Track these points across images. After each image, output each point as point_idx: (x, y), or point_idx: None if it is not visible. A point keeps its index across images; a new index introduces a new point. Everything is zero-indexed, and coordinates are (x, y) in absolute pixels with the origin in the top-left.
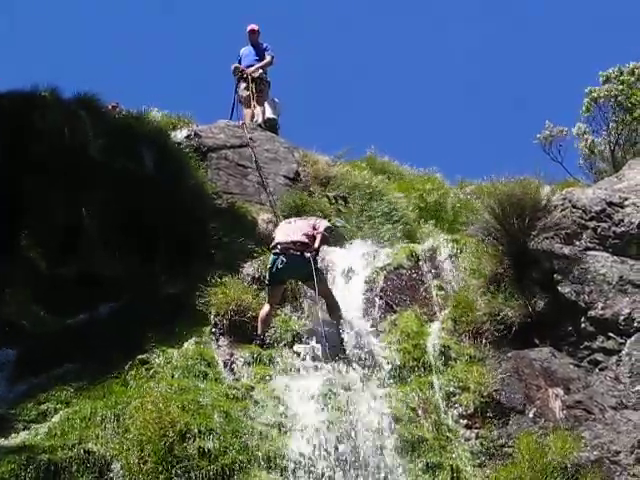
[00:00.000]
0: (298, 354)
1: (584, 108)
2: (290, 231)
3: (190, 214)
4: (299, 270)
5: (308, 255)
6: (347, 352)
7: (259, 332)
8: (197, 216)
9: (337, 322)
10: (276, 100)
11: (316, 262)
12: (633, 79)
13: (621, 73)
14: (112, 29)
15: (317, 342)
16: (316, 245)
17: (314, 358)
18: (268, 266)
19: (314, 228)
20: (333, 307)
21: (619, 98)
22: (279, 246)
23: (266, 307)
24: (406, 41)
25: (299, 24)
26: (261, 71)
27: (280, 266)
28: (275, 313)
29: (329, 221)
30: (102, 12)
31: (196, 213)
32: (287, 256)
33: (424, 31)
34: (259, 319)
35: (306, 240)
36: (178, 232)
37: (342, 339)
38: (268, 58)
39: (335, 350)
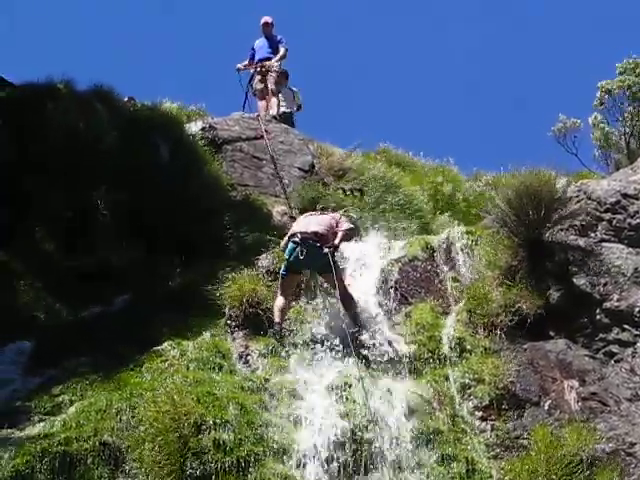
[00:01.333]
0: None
1: (597, 101)
2: (311, 223)
3: (205, 206)
4: (317, 261)
5: (326, 250)
6: (363, 345)
7: (276, 320)
8: (212, 208)
9: (352, 316)
10: (294, 89)
11: (334, 256)
12: None
13: (637, 65)
14: (113, 28)
15: (334, 337)
16: (336, 242)
17: (324, 354)
18: (285, 256)
19: (336, 224)
20: (347, 299)
21: (633, 89)
22: (299, 235)
23: (280, 299)
24: (413, 36)
25: (298, 24)
26: (277, 64)
27: (300, 256)
28: (290, 305)
29: (345, 212)
30: (105, 10)
31: (211, 205)
32: (307, 246)
33: (427, 28)
34: (275, 309)
35: (326, 233)
36: (193, 224)
37: (358, 332)
38: (282, 50)
39: (347, 343)
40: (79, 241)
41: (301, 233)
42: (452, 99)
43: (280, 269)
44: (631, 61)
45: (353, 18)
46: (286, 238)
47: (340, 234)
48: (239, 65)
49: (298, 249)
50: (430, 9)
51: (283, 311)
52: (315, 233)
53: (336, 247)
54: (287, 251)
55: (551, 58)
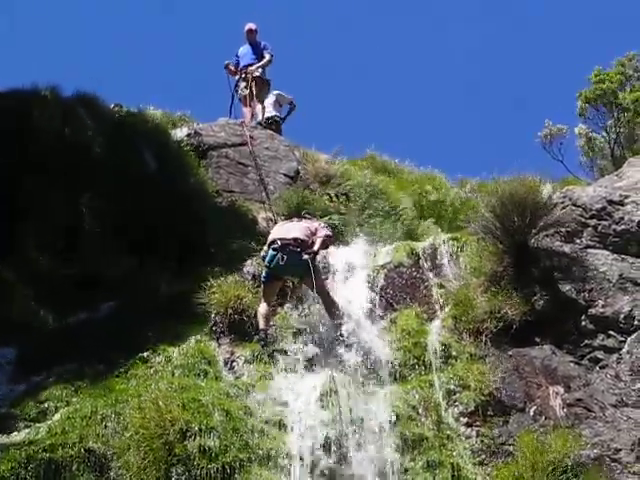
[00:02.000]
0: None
1: (578, 110)
2: (290, 229)
3: (190, 213)
4: (297, 267)
5: (306, 257)
6: (347, 351)
7: (261, 326)
8: (197, 215)
9: (335, 319)
10: (283, 95)
11: (314, 262)
12: (622, 77)
13: (607, 74)
14: (111, 28)
15: (319, 343)
16: (315, 248)
17: (308, 360)
18: (265, 263)
19: (315, 231)
20: (330, 305)
21: (610, 98)
22: (279, 242)
23: (263, 305)
24: (406, 40)
25: (299, 23)
26: (261, 70)
27: (281, 263)
28: (275, 311)
29: (329, 219)
30: (101, 11)
31: (196, 212)
32: (287, 252)
33: (424, 30)
34: (259, 315)
35: (306, 239)
36: (178, 231)
37: (342, 338)
38: (267, 57)
39: (332, 349)
40: (65, 249)
41: (280, 240)
42: (437, 105)
43: (261, 276)
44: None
45: (352, 18)
46: (266, 246)
47: (319, 240)
48: (227, 62)
49: (278, 255)
50: (429, 9)
51: (267, 317)
52: (295, 239)
53: (315, 253)
54: (267, 258)
55: (549, 59)
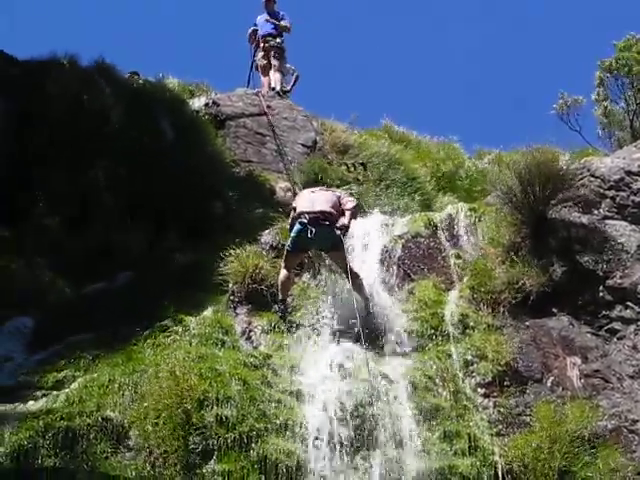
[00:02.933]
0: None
1: (597, 80)
2: (316, 201)
3: (207, 182)
4: (326, 240)
5: (338, 232)
6: (366, 322)
7: (280, 297)
8: (215, 184)
9: (361, 292)
10: (288, 66)
11: (345, 236)
12: None
13: (637, 42)
14: None
15: (337, 313)
16: (346, 221)
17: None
18: (292, 234)
19: (340, 202)
20: (355, 277)
21: (634, 68)
22: (307, 215)
23: (284, 272)
24: (425, 6)
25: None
26: (279, 40)
27: (310, 236)
28: (294, 280)
29: (347, 189)
30: None
31: (214, 181)
32: (316, 226)
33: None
34: (279, 284)
35: (333, 211)
36: (195, 200)
37: (369, 308)
38: (286, 23)
39: (350, 319)
40: (80, 218)
41: (308, 213)
42: (455, 77)
43: (286, 244)
44: (629, 37)
45: None
46: (290, 219)
47: (348, 213)
48: (250, 31)
49: (307, 230)
50: None
51: (287, 286)
52: (322, 212)
53: (347, 227)
54: (294, 231)
55: (552, 34)
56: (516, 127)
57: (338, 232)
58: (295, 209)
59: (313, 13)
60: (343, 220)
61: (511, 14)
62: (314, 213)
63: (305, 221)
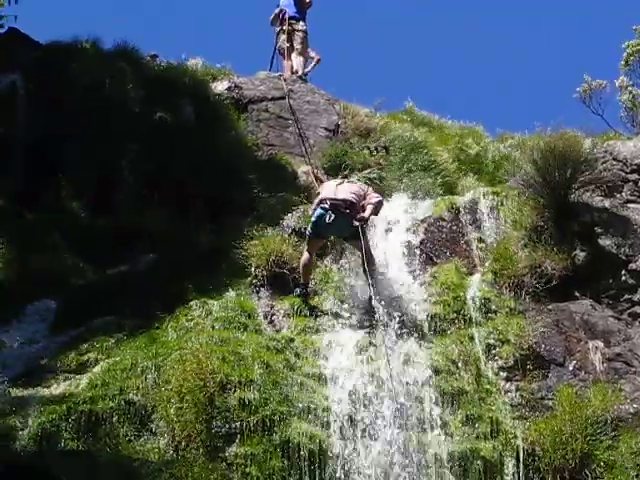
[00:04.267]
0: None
1: (623, 62)
2: (340, 190)
3: (230, 166)
4: (345, 229)
5: (357, 224)
6: (388, 305)
7: (302, 280)
8: (237, 168)
9: (371, 278)
10: (310, 50)
11: (363, 228)
12: None
13: None
14: None
15: (360, 297)
16: (366, 215)
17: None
18: (312, 219)
19: (364, 194)
20: (371, 264)
21: None
22: (328, 202)
23: (306, 255)
24: None
25: None
26: (302, 23)
27: (328, 221)
28: (316, 263)
29: (369, 173)
30: None
31: (236, 165)
32: (336, 213)
33: None
34: (301, 267)
35: (355, 202)
36: (217, 184)
37: (374, 294)
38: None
39: (372, 303)
40: (106, 202)
41: (330, 199)
42: (492, 52)
43: (306, 229)
44: None
45: None
46: (314, 205)
47: (370, 207)
48: (272, 17)
49: (327, 215)
50: None
51: (308, 269)
52: (344, 200)
53: (366, 220)
54: (315, 215)
55: (576, 19)
56: (540, 111)
57: (356, 223)
58: (319, 195)
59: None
60: (363, 213)
61: None
62: (336, 200)
63: (326, 206)
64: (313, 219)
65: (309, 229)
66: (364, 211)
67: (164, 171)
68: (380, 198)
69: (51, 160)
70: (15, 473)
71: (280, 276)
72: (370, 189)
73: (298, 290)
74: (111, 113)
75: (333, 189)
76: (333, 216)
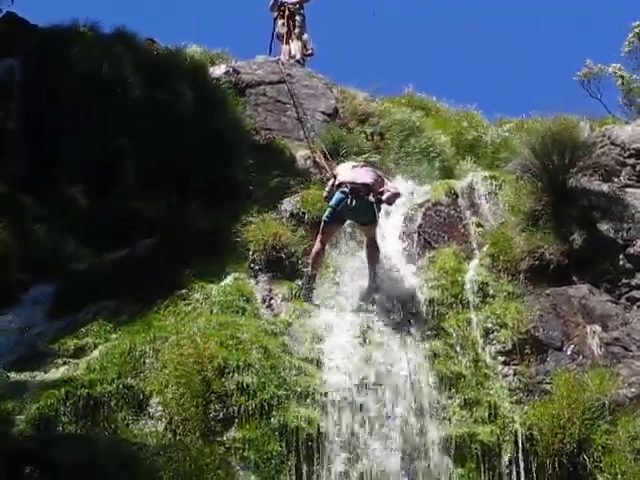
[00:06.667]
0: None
1: (627, 43)
2: (359, 174)
3: (228, 150)
4: (363, 213)
5: (372, 199)
6: (386, 290)
7: (310, 272)
8: (235, 152)
9: (374, 266)
10: (305, 37)
11: (379, 208)
12: None
13: None
14: None
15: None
16: (384, 197)
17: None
18: (332, 203)
19: (382, 180)
20: (376, 253)
21: None
22: (349, 185)
23: (318, 245)
24: None
25: None
26: (298, 6)
27: (350, 206)
28: (324, 253)
29: (367, 157)
30: None
31: (234, 149)
32: (357, 197)
33: None
34: (312, 257)
35: (374, 184)
36: (216, 168)
37: (376, 282)
38: None
39: (370, 287)
40: (104, 186)
41: (350, 183)
42: (491, 36)
43: (323, 215)
44: None
45: None
46: (329, 186)
47: (388, 194)
48: (271, 3)
49: (348, 199)
50: None
51: (318, 260)
52: (364, 184)
53: (381, 202)
54: (335, 199)
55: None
56: (539, 95)
57: (372, 198)
58: (335, 177)
59: None
60: (382, 196)
61: None
62: (356, 184)
63: (347, 190)
64: (333, 203)
65: (327, 214)
66: (381, 195)
67: (163, 155)
68: (399, 190)
69: (49, 145)
70: (15, 457)
71: (278, 260)
72: (389, 179)
73: (305, 280)
74: (110, 98)
75: (351, 172)
76: (355, 201)
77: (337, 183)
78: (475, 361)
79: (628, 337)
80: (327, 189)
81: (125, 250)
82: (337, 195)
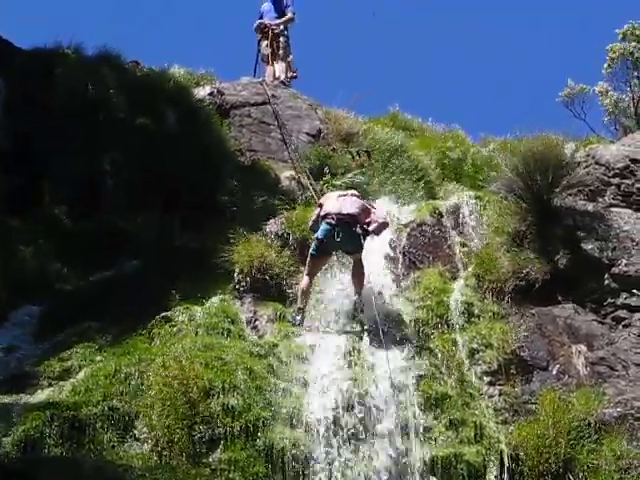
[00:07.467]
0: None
1: (606, 65)
2: (344, 204)
3: (213, 171)
4: (350, 243)
5: (360, 231)
6: (371, 312)
7: (299, 305)
8: (220, 173)
9: (359, 287)
10: (290, 59)
11: (365, 239)
12: None
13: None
14: None
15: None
16: (371, 229)
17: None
18: (318, 236)
19: (369, 210)
20: (361, 279)
21: (636, 55)
22: (334, 217)
23: (306, 279)
24: None
25: None
26: (282, 27)
27: (337, 239)
28: (313, 285)
29: (353, 176)
30: None
31: (219, 170)
32: (343, 229)
33: None
34: (299, 291)
35: (360, 214)
36: (201, 189)
37: (361, 303)
38: (289, 15)
39: (355, 309)
40: (90, 207)
41: (336, 214)
42: (475, 56)
43: (311, 249)
44: (629, 26)
45: None
46: (315, 216)
47: (375, 225)
48: (256, 25)
49: (334, 231)
50: None
51: (308, 294)
52: (350, 215)
53: (368, 233)
54: (320, 231)
55: (571, 17)
56: (524, 115)
57: (359, 230)
58: (321, 207)
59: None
60: (368, 227)
61: (518, 3)
62: (342, 215)
63: (333, 222)
64: (319, 236)
65: (313, 248)
66: (368, 226)
67: (148, 177)
68: (387, 220)
69: (35, 165)
70: (2, 478)
71: (263, 282)
72: (377, 206)
73: (297, 318)
74: (95, 119)
75: (337, 203)
76: (342, 233)
77: (323, 214)
78: (460, 381)
79: (614, 357)
80: (312, 219)
81: (111, 271)
82: (323, 226)
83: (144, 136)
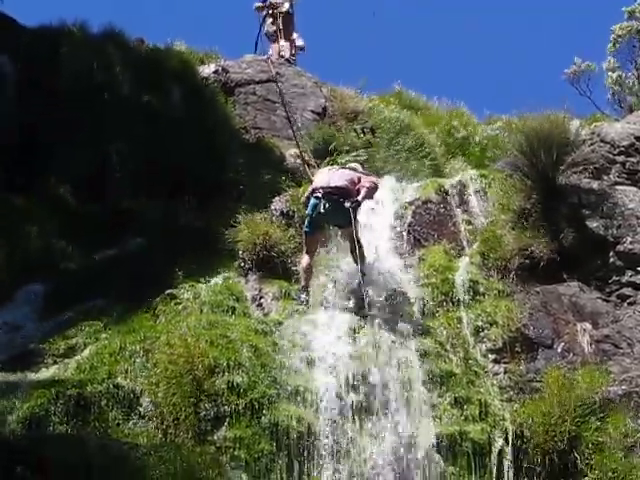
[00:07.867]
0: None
1: (611, 44)
2: (332, 177)
3: (217, 149)
4: (338, 216)
5: (348, 205)
6: (376, 289)
7: (303, 284)
8: (225, 151)
9: (362, 266)
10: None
11: (356, 212)
12: None
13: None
14: None
15: (347, 281)
16: (359, 198)
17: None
18: (308, 212)
19: (359, 179)
20: (362, 255)
21: None
22: (321, 190)
23: (305, 258)
24: None
25: None
26: (288, 5)
27: (322, 210)
28: (314, 262)
29: (356, 155)
30: None
31: (224, 148)
32: (330, 201)
33: None
34: (301, 270)
35: (348, 187)
36: (205, 167)
37: (363, 281)
38: None
39: (359, 287)
40: (95, 186)
41: (323, 188)
42: (481, 32)
43: (304, 227)
44: (637, 5)
45: None
46: (307, 193)
47: (364, 191)
48: (257, 4)
49: (320, 204)
50: None
51: (310, 272)
52: (337, 187)
53: (359, 203)
54: (309, 207)
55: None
56: (529, 93)
57: (347, 204)
58: (312, 184)
59: None
60: (357, 196)
61: None
62: (329, 188)
63: (319, 195)
64: (308, 211)
65: (305, 225)
66: (358, 195)
67: (153, 155)
68: (374, 181)
69: (41, 145)
70: (6, 456)
71: (268, 259)
72: (366, 174)
73: (302, 297)
74: (100, 98)
75: (326, 176)
76: (327, 205)
77: (311, 189)
78: (465, 359)
79: (618, 334)
80: (305, 195)
81: (115, 250)
82: (311, 202)
83: (149, 115)
